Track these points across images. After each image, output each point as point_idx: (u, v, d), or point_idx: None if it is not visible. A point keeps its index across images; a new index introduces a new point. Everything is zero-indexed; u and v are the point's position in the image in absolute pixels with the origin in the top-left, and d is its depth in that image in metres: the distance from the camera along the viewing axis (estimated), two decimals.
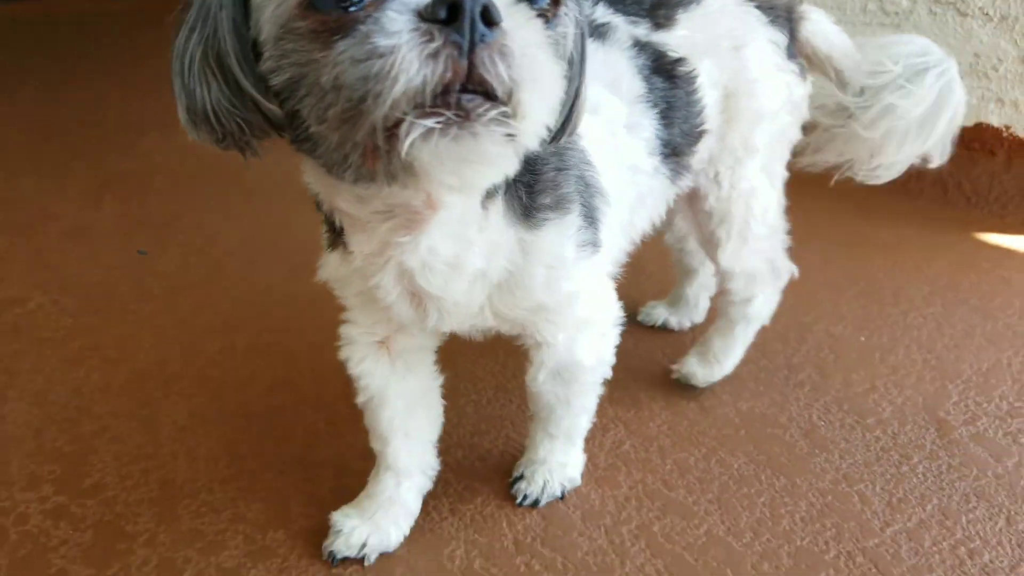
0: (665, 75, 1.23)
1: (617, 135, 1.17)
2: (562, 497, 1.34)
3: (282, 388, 1.57)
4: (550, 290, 1.05)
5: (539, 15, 0.74)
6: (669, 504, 1.32)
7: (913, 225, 2.39)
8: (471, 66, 0.64)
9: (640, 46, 1.22)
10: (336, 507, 1.25)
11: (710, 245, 1.45)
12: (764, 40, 1.31)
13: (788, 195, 2.05)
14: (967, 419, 1.53)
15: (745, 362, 1.69)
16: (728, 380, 1.64)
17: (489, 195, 0.94)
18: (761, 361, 1.70)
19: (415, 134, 0.65)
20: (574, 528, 1.27)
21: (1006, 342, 1.78)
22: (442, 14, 0.64)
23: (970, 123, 2.41)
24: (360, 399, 1.20)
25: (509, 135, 0.69)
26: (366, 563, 1.20)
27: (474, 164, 0.70)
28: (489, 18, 0.64)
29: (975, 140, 2.41)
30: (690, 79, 1.24)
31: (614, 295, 1.20)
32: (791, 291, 2.01)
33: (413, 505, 1.27)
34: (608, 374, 1.26)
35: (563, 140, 0.91)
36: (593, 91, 1.05)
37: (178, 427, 1.45)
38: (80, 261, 2.03)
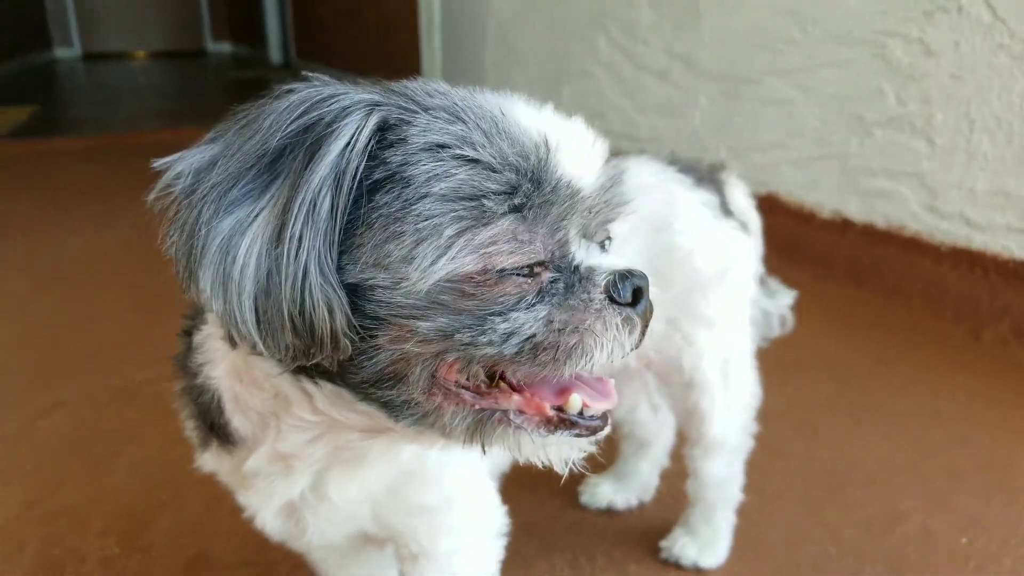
0: None
1: None
2: None
3: None
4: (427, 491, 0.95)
5: None
6: None
7: None
8: None
9: None
10: None
11: (694, 417, 1.35)
12: (694, 204, 1.25)
13: (893, 368, 1.77)
14: None
15: (812, 541, 1.51)
16: (780, 569, 1.46)
17: None
18: (830, 549, 1.51)
19: None
20: None
21: None
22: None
23: None
24: None
25: None
26: None
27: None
28: None
29: None
30: None
31: (496, 499, 1.05)
32: (889, 473, 1.77)
33: None
34: None
35: None
36: None
37: None
38: None
